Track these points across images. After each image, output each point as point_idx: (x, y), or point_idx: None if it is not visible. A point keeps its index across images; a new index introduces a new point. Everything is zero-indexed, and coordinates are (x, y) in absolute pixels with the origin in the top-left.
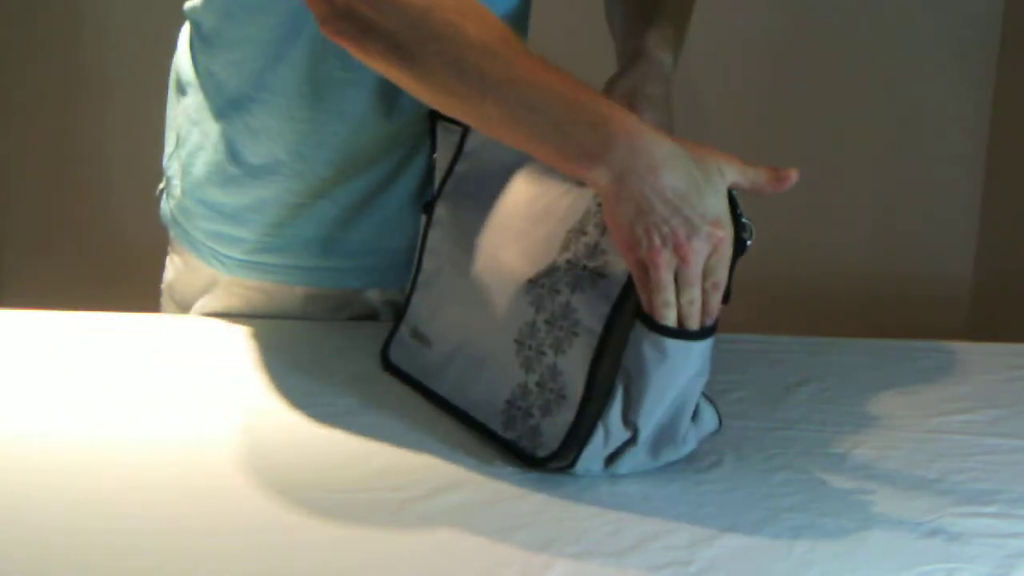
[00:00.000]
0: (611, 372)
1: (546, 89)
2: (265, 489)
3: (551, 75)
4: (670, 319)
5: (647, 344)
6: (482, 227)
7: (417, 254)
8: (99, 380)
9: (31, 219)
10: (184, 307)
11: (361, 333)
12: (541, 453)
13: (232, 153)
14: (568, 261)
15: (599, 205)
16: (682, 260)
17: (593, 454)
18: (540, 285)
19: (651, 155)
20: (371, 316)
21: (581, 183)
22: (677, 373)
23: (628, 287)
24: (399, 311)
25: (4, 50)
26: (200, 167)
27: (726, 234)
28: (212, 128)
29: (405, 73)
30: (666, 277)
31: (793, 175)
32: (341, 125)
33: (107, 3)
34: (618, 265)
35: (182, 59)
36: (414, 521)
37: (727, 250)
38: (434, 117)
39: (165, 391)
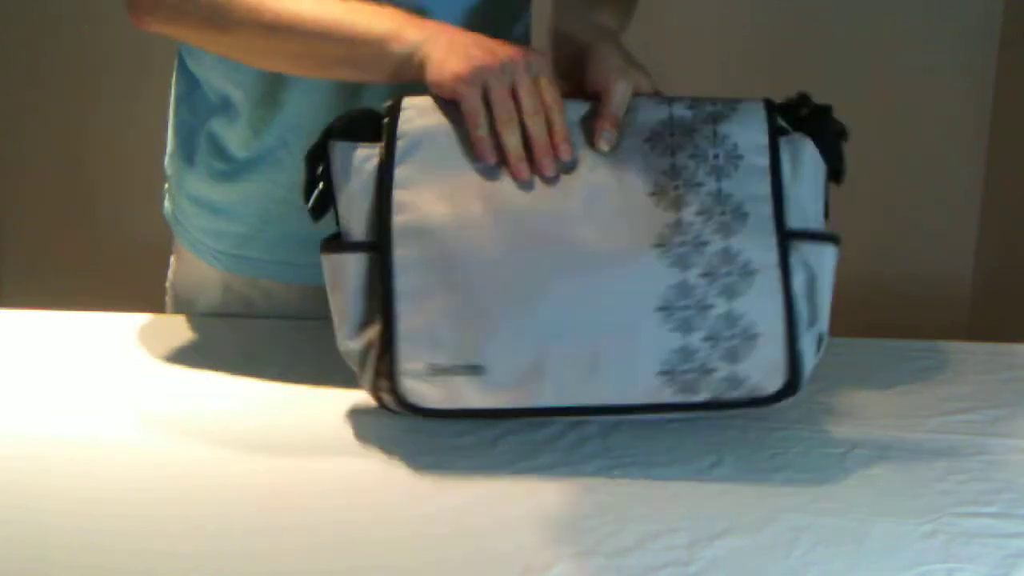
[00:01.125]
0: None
1: (340, 18)
2: (265, 489)
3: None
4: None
5: (812, 253)
6: (497, 218)
7: (373, 281)
8: (99, 380)
9: (36, 219)
10: (185, 306)
11: None
12: (766, 391)
13: (218, 149)
14: (698, 213)
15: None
16: (493, 69)
17: (809, 370)
18: (678, 244)
19: (443, 36)
20: None
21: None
22: (831, 272)
23: (779, 217)
24: (369, 351)
25: (9, 48)
26: (192, 165)
27: (527, 57)
28: (202, 126)
29: (218, 44)
30: (472, 92)
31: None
32: (313, 113)
33: (115, 2)
34: (752, 200)
35: (179, 58)
36: (414, 521)
37: (533, 71)
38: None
39: (164, 391)
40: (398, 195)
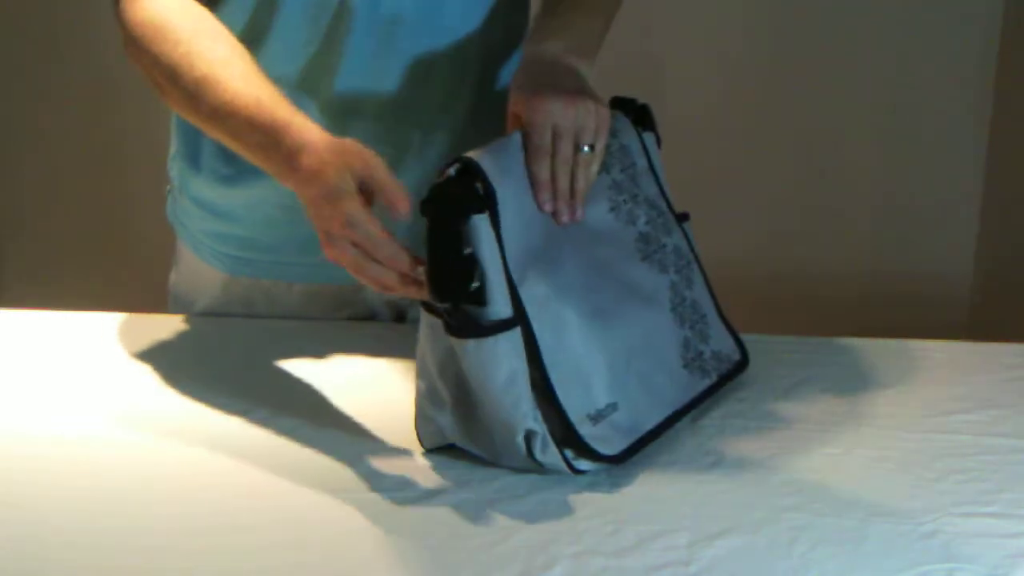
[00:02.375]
0: None
1: (243, 120)
2: (265, 489)
3: (246, 101)
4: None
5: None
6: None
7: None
8: (99, 380)
9: (36, 219)
10: (186, 307)
11: (360, 333)
12: (735, 358)
13: (222, 153)
14: (647, 221)
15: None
16: (338, 253)
17: None
18: (652, 252)
19: (306, 170)
20: (370, 316)
21: None
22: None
23: (670, 206)
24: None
25: (9, 48)
26: (197, 168)
27: (351, 223)
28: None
29: (164, 99)
30: (348, 269)
31: (402, 210)
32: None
33: None
34: (655, 197)
35: None
36: (414, 521)
37: (365, 235)
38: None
39: (164, 391)
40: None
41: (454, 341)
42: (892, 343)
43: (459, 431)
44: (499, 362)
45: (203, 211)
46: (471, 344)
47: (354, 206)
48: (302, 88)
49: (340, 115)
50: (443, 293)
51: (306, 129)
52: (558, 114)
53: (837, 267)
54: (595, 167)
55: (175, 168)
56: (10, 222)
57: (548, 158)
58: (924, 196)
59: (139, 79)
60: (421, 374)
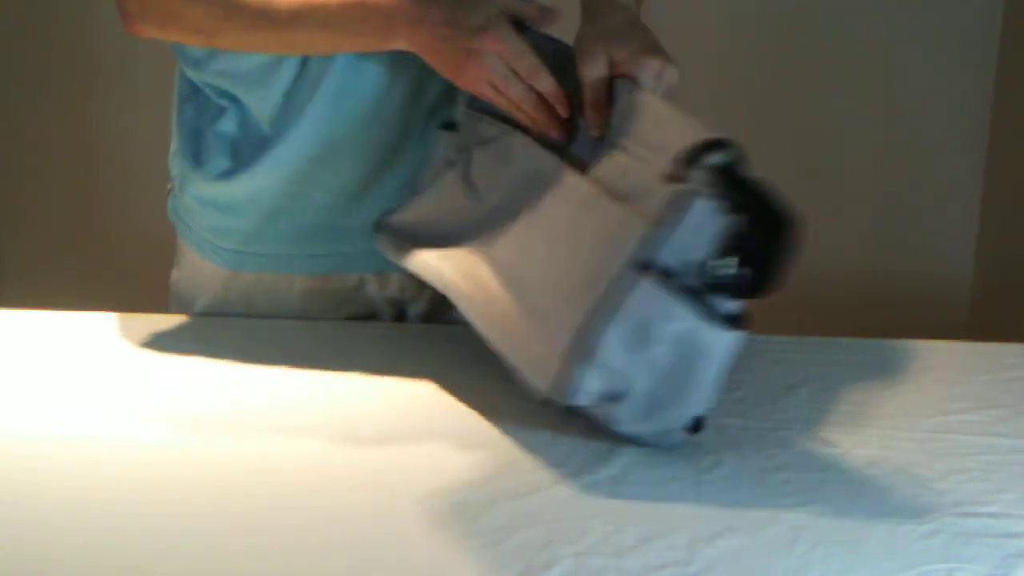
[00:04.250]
0: None
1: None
2: (265, 489)
3: None
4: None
5: None
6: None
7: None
8: (99, 380)
9: (36, 219)
10: (187, 305)
11: (361, 332)
12: None
13: (223, 148)
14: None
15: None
16: (480, 70)
17: None
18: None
19: (416, 9)
20: (371, 315)
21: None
22: None
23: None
24: None
25: (10, 48)
26: (199, 164)
27: (497, 34)
28: (206, 125)
29: (211, 45)
30: (486, 90)
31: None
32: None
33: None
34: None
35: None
36: (414, 521)
37: (512, 44)
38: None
39: (164, 391)
40: None
41: None
42: (892, 343)
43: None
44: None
45: (205, 207)
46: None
47: (503, 20)
48: None
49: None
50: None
51: None
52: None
53: (837, 267)
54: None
55: (176, 166)
56: (9, 222)
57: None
58: (924, 196)
59: (139, 78)
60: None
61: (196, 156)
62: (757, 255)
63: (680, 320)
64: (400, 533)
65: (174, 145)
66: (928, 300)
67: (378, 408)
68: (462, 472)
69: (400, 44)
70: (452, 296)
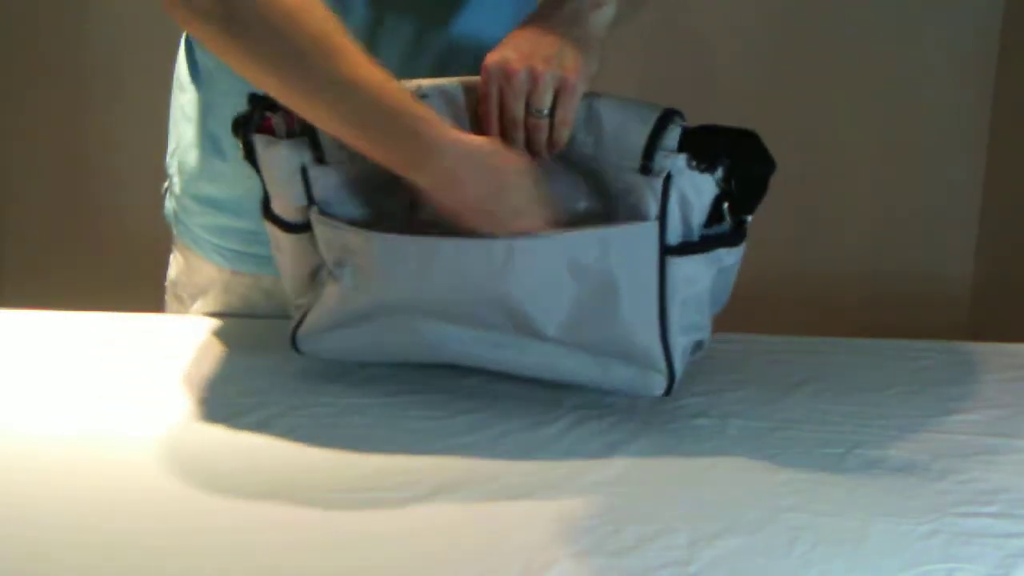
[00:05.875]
0: None
1: (370, 97)
2: (265, 488)
3: (372, 78)
4: None
5: None
6: None
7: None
8: (99, 380)
9: (36, 219)
10: (185, 306)
11: None
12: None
13: (219, 147)
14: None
15: None
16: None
17: None
18: None
19: (456, 167)
20: None
21: None
22: None
23: None
24: None
25: (9, 47)
26: (193, 163)
27: (531, 223)
28: (203, 124)
29: (245, 64)
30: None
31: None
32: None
33: (115, 1)
34: None
35: (181, 58)
36: (414, 521)
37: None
38: None
39: (164, 390)
40: None
41: None
42: (892, 343)
43: None
44: None
45: (204, 207)
46: None
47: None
48: None
49: None
50: None
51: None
52: (510, 69)
53: (837, 267)
54: (543, 135)
55: (174, 165)
56: (8, 222)
57: (496, 111)
58: (924, 196)
59: (136, 78)
60: None
61: (193, 155)
62: (744, 181)
63: (704, 279)
64: (400, 533)
65: (171, 144)
66: (928, 300)
67: (376, 407)
68: (461, 471)
69: (415, 175)
70: None
